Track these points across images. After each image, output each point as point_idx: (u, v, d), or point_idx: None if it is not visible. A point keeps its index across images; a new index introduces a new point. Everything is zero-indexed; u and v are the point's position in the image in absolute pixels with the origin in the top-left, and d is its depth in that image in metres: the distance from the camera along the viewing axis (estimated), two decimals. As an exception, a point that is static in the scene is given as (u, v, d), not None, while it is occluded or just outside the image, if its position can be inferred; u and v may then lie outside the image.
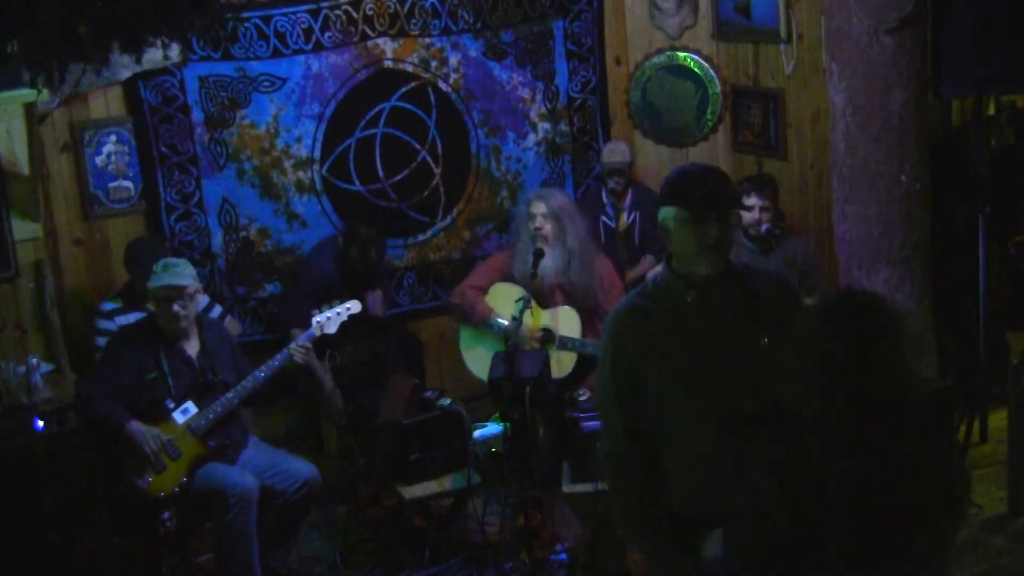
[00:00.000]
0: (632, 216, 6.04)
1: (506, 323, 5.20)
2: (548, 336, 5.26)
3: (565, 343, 5.24)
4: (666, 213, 2.84)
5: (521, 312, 4.84)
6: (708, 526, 2.84)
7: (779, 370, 2.63)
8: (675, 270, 2.89)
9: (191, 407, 4.40)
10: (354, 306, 4.72)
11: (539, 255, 5.11)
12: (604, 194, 6.09)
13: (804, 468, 2.48)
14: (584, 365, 5.22)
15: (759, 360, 2.77)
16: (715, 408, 2.81)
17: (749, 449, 2.66)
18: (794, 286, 3.63)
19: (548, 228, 5.19)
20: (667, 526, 2.89)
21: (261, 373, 4.48)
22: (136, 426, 4.29)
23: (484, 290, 5.40)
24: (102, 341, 4.99)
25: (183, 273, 4.44)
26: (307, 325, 4.65)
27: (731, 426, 2.75)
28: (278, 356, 4.52)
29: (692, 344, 2.85)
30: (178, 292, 4.40)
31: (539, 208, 5.25)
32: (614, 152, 6.07)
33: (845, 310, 2.58)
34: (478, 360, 5.31)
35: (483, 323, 5.33)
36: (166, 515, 4.39)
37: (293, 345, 4.56)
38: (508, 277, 5.39)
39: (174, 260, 4.56)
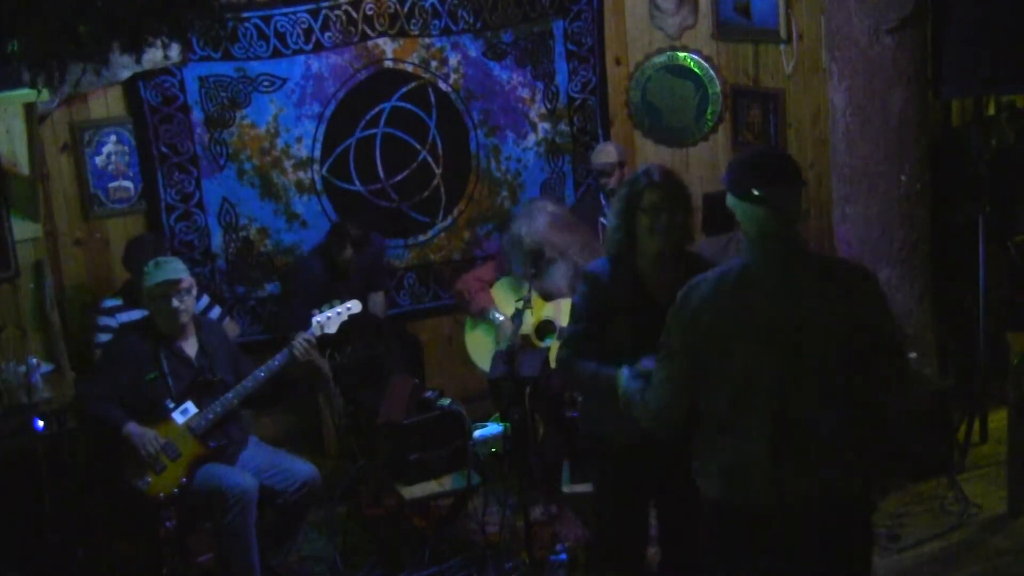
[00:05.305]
0: None
1: (502, 317, 5.21)
2: (549, 328, 5.26)
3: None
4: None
5: (521, 312, 4.84)
6: None
7: None
8: None
9: (191, 407, 4.38)
10: (355, 306, 4.71)
11: (538, 255, 5.12)
12: (602, 195, 6.08)
13: None
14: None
15: None
16: None
17: None
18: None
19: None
20: None
21: (261, 374, 4.47)
22: (134, 428, 4.28)
23: (490, 283, 5.42)
24: (103, 338, 5.00)
25: (175, 268, 4.46)
26: (307, 327, 4.63)
27: None
28: (278, 356, 4.51)
29: None
30: (174, 287, 4.40)
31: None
32: (600, 154, 5.95)
33: None
34: (478, 343, 5.38)
35: (480, 314, 5.35)
36: (166, 515, 4.39)
37: (295, 341, 4.55)
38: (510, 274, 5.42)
39: (163, 258, 4.58)
